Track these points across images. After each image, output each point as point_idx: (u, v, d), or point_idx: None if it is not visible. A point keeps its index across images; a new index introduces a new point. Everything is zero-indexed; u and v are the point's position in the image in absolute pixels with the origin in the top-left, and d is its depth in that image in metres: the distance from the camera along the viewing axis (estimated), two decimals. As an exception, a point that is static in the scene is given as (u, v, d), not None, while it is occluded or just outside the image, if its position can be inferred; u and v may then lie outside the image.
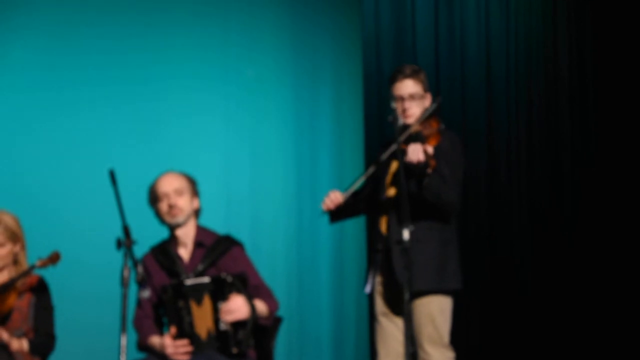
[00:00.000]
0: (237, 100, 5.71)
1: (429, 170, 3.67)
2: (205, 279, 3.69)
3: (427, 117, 3.86)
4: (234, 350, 3.64)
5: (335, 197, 3.91)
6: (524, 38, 6.44)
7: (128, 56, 5.52)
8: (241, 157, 5.70)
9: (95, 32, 5.48)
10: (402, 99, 3.91)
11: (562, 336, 6.13)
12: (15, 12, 5.40)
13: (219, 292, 3.66)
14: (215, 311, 3.66)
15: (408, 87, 3.92)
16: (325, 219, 4.04)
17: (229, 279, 3.65)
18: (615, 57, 6.33)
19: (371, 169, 3.92)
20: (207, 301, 3.68)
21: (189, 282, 3.70)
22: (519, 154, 6.34)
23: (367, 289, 3.97)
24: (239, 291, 3.65)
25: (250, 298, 3.67)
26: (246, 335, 3.65)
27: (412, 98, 3.91)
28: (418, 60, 6.16)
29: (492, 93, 6.36)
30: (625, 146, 6.23)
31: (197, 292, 3.68)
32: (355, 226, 5.75)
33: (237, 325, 3.65)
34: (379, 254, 3.90)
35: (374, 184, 3.99)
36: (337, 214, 4.01)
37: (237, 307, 3.63)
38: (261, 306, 3.74)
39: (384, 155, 3.87)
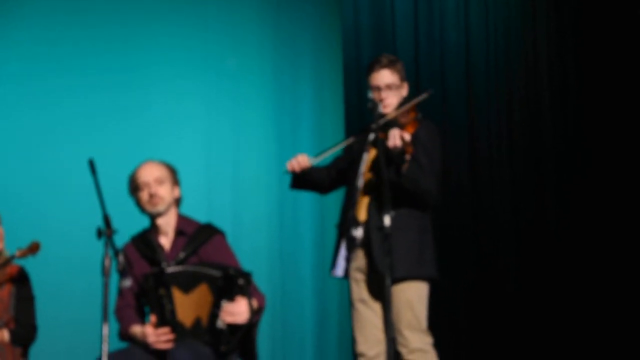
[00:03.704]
0: (218, 88, 5.72)
1: (407, 157, 3.67)
2: (217, 273, 3.66)
3: (408, 109, 3.85)
4: (223, 348, 3.64)
5: (302, 160, 3.91)
6: (502, 28, 6.43)
7: (107, 45, 5.51)
8: (222, 146, 5.70)
9: (73, 22, 5.47)
10: (378, 88, 3.92)
11: (547, 329, 6.15)
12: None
13: (227, 290, 3.63)
14: (216, 307, 3.64)
15: (385, 77, 3.92)
16: (287, 180, 4.03)
17: (241, 281, 3.63)
18: (596, 48, 6.31)
19: (345, 142, 3.93)
20: (205, 292, 3.65)
21: (197, 269, 3.67)
22: (500, 147, 6.33)
23: (338, 272, 3.96)
24: (244, 294, 3.64)
25: (250, 299, 3.65)
26: (238, 338, 3.65)
27: (388, 88, 3.92)
28: (397, 49, 6.16)
29: (472, 84, 6.35)
30: (607, 140, 6.22)
31: (185, 280, 3.66)
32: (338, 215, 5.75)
33: (233, 326, 3.64)
34: (355, 240, 3.89)
35: (348, 168, 3.98)
36: (299, 180, 4.01)
37: (239, 312, 3.62)
38: (256, 306, 3.72)
39: (362, 134, 3.87)
